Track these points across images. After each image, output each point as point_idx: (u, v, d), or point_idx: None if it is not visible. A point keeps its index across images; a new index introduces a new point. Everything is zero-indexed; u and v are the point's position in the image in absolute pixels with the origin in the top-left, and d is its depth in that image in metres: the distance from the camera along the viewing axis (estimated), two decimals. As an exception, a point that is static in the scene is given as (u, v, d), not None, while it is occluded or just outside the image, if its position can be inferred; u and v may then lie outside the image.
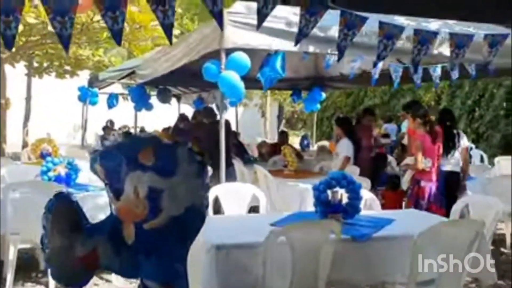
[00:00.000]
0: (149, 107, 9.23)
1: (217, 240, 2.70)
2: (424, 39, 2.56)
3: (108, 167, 1.41)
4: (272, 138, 15.47)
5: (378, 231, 3.10)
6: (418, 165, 4.78)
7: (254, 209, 4.40)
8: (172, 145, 1.44)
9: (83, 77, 12.08)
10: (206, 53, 4.62)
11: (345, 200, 3.30)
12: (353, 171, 5.15)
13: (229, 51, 4.31)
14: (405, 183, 5.08)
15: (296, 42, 2.51)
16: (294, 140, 12.67)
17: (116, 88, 12.87)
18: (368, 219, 3.41)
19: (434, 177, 4.87)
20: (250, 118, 16.87)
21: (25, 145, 10.70)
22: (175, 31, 10.03)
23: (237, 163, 6.30)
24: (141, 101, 8.96)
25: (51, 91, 16.12)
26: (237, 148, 7.75)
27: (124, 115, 13.26)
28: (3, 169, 4.68)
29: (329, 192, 3.24)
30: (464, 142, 5.41)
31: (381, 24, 2.52)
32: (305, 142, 9.80)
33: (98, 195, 4.12)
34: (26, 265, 4.28)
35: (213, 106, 11.43)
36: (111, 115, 14.48)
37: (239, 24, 4.25)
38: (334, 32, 4.35)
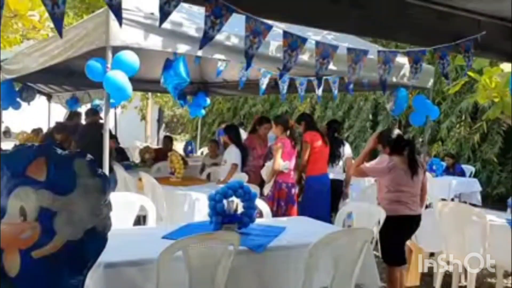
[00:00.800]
0: (17, 105, 8.29)
1: (106, 257, 2.41)
2: (326, 52, 2.59)
3: (-15, 182, 1.13)
4: (152, 142, 14.97)
5: (272, 241, 3.09)
6: (275, 166, 4.95)
7: (139, 220, 4.14)
8: (69, 156, 1.21)
9: None
10: (89, 50, 4.25)
11: (240, 209, 3.23)
12: (241, 178, 5.13)
13: (116, 50, 4.01)
14: (267, 187, 5.20)
15: (202, 45, 2.37)
16: (176, 146, 12.42)
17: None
18: (261, 228, 3.38)
19: (293, 180, 5.11)
20: (128, 121, 16.14)
21: None
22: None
23: (119, 169, 5.92)
24: (8, 99, 8.00)
25: None
26: (117, 153, 7.32)
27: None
28: None
29: (224, 201, 3.14)
30: (348, 151, 5.73)
31: (285, 34, 2.50)
32: (190, 147, 9.63)
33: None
34: None
35: (88, 106, 10.69)
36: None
37: (128, 22, 3.97)
38: (223, 37, 4.33)
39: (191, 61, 4.77)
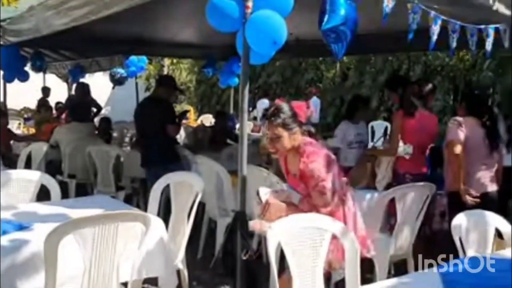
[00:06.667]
0: (24, 77, 6.67)
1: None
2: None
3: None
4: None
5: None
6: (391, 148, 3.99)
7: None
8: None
9: None
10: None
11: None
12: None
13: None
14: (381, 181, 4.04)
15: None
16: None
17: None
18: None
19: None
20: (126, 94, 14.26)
21: None
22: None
23: (204, 160, 4.55)
24: (13, 68, 6.38)
25: None
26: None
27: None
28: None
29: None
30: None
31: None
32: (231, 123, 8.22)
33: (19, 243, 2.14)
34: None
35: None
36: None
37: None
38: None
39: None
